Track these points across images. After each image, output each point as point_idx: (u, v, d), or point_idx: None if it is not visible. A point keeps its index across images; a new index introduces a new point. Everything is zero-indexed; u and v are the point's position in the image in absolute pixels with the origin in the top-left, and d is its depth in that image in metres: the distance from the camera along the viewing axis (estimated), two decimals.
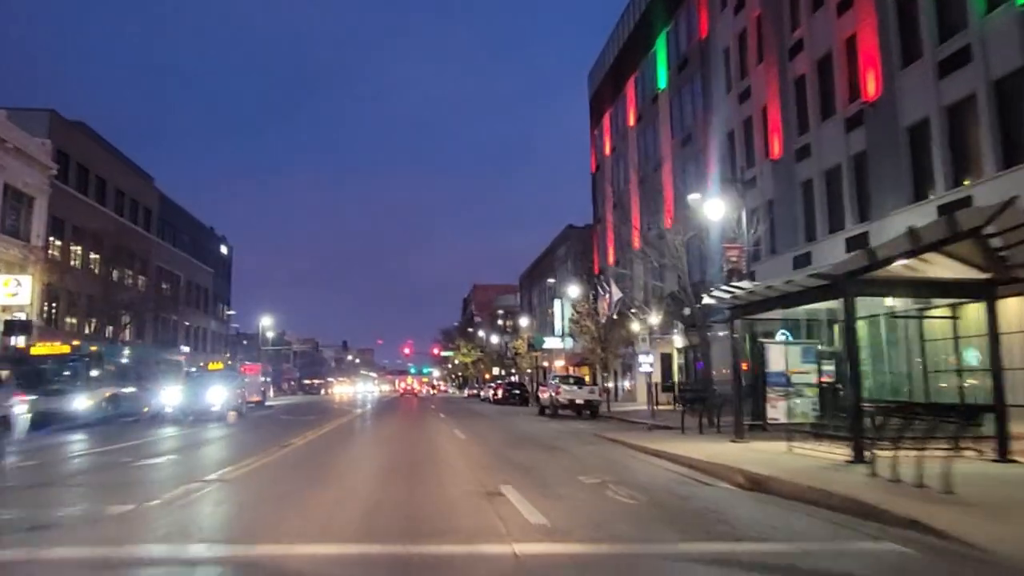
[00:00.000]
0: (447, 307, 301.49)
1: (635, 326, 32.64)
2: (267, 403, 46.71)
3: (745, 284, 14.04)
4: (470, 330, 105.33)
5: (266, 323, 77.51)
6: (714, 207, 18.14)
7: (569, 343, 54.18)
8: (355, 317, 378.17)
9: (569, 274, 56.05)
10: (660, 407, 27.28)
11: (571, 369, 47.19)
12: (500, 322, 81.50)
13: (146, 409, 21.98)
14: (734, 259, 17.68)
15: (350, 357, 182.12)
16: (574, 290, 36.23)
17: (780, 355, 13.79)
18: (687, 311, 19.54)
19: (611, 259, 44.38)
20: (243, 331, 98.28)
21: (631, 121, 41.39)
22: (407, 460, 12.16)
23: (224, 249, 74.59)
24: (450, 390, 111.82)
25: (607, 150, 46.10)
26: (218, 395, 23.17)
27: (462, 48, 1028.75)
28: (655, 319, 30.50)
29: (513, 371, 71.43)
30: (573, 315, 35.90)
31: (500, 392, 44.75)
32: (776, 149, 24.61)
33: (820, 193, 22.39)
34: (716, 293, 14.18)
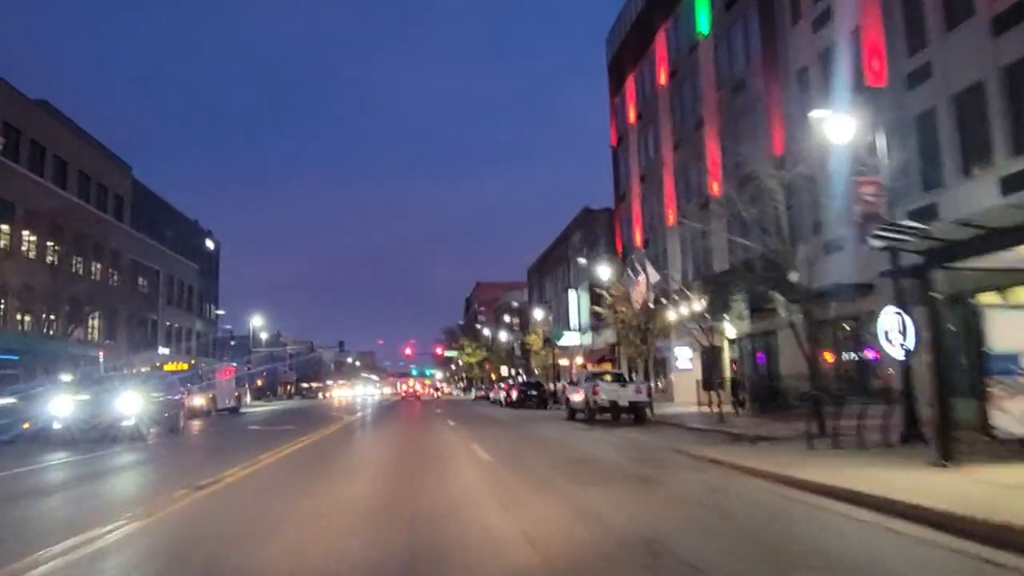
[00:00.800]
0: (449, 308, 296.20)
1: (673, 314, 27.39)
2: (243, 409, 41.50)
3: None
4: (480, 325, 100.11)
5: (257, 323, 72.17)
6: (840, 126, 12.76)
7: (588, 338, 48.95)
8: (355, 320, 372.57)
9: (587, 261, 50.82)
10: (705, 407, 21.88)
11: (589, 366, 41.83)
12: (508, 318, 76.15)
13: (26, 424, 15.92)
14: (870, 198, 12.35)
15: (350, 360, 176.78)
16: (604, 272, 30.74)
17: (1016, 327, 8.48)
18: (794, 276, 14.14)
19: (639, 240, 39.05)
20: (238, 333, 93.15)
21: (662, 79, 36.04)
22: (407, 514, 6.88)
23: (210, 244, 69.37)
24: (454, 392, 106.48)
25: (631, 118, 40.76)
26: (131, 404, 16.52)
27: (462, 52, 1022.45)
28: (698, 305, 25.25)
29: (522, 370, 66.15)
30: (606, 300, 30.40)
31: (515, 393, 39.41)
32: (876, 77, 19.26)
33: (948, 126, 17.05)
34: (892, 233, 8.90)
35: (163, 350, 51.93)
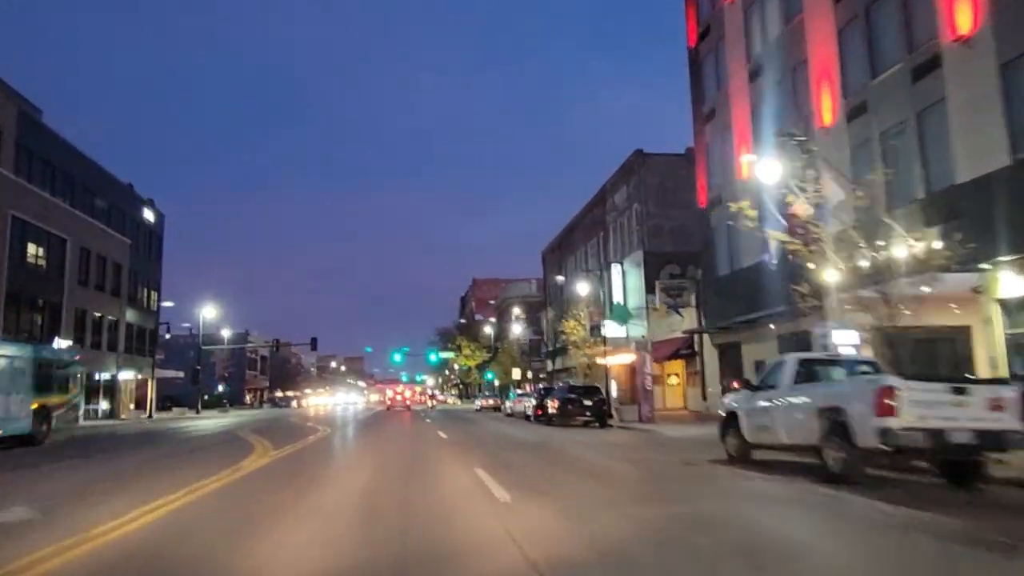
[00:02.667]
0: (441, 314, 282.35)
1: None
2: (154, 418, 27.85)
3: None
4: (482, 321, 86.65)
5: (209, 314, 58.30)
6: None
7: (638, 327, 35.71)
8: (344, 327, 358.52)
9: (635, 224, 37.64)
10: None
11: (652, 367, 28.50)
12: (517, 311, 62.82)
13: None
14: None
15: (334, 364, 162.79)
16: (775, 171, 16.74)
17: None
18: None
19: (743, 171, 25.86)
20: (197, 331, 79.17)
21: None
22: None
23: (149, 216, 55.66)
24: (449, 399, 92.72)
25: None
26: None
27: (457, 58, 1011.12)
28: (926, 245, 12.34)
29: (544, 373, 52.71)
30: (795, 220, 16.40)
31: (555, 404, 26.15)
32: None
33: None
34: None
35: (62, 342, 38.39)
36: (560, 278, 39.96)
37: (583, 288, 34.75)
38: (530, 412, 31.73)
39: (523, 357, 55.76)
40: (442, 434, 20.87)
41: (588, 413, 24.47)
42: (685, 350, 30.25)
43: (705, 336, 29.22)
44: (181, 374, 58.32)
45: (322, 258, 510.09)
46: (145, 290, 55.27)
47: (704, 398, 29.35)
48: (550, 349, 52.69)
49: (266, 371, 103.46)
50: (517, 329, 56.81)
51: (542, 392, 31.12)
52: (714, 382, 28.40)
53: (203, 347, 58.53)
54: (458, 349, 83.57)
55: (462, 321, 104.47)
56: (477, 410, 49.71)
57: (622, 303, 36.70)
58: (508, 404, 38.98)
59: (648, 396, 25.11)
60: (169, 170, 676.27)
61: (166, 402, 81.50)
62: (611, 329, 34.70)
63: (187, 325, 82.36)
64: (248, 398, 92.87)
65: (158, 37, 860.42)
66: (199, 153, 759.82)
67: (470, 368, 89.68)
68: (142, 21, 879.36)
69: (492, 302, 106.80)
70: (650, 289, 32.92)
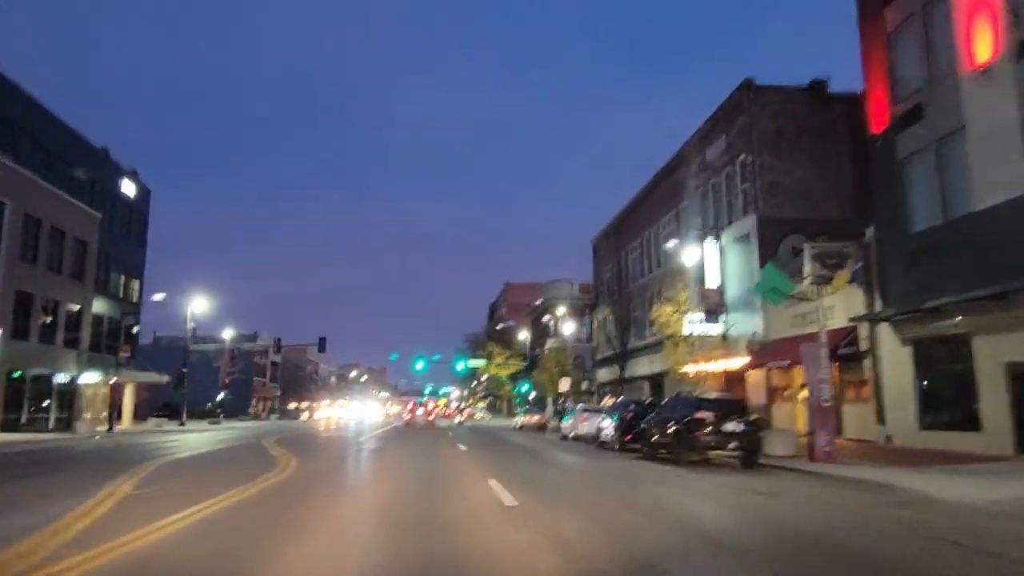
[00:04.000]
0: (470, 324, 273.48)
1: None
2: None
3: None
4: (515, 327, 77.22)
5: (199, 308, 49.25)
6: None
7: (750, 321, 25.80)
8: (369, 337, 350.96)
9: (741, 182, 27.87)
10: None
11: (766, 376, 18.56)
12: (561, 311, 52.92)
13: None
14: None
15: (355, 373, 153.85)
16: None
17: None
18: None
19: (972, 54, 16.10)
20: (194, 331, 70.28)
21: None
22: None
23: (129, 190, 46.83)
24: (477, 414, 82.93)
25: None
26: None
27: (481, 69, 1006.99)
28: None
29: (594, 386, 42.80)
30: None
31: (669, 428, 16.26)
32: None
33: None
34: None
35: None
36: (673, 242, 29.63)
37: (692, 254, 24.77)
38: (608, 436, 21.92)
39: (575, 364, 45.92)
40: (496, 486, 11.18)
41: (734, 445, 14.59)
42: (845, 348, 20.27)
43: (883, 327, 19.29)
44: (167, 378, 49.21)
45: (348, 270, 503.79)
46: (122, 277, 46.47)
47: (881, 421, 19.38)
48: (604, 356, 42.83)
49: (276, 379, 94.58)
50: (567, 329, 46.88)
51: (632, 408, 21.18)
52: (904, 398, 18.43)
53: (192, 347, 49.33)
54: (489, 357, 73.88)
55: (498, 327, 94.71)
56: (517, 428, 39.88)
57: (695, 296, 26.73)
58: (566, 423, 29.13)
59: (826, 418, 15.24)
60: (196, 178, 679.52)
61: (162, 410, 72.95)
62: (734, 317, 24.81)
63: (193, 325, 73.68)
64: (255, 408, 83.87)
65: (197, 50, 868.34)
66: (223, 161, 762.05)
67: (502, 379, 79.93)
68: (184, 32, 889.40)
69: (528, 305, 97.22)
70: (765, 265, 22.93)
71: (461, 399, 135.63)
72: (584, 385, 47.06)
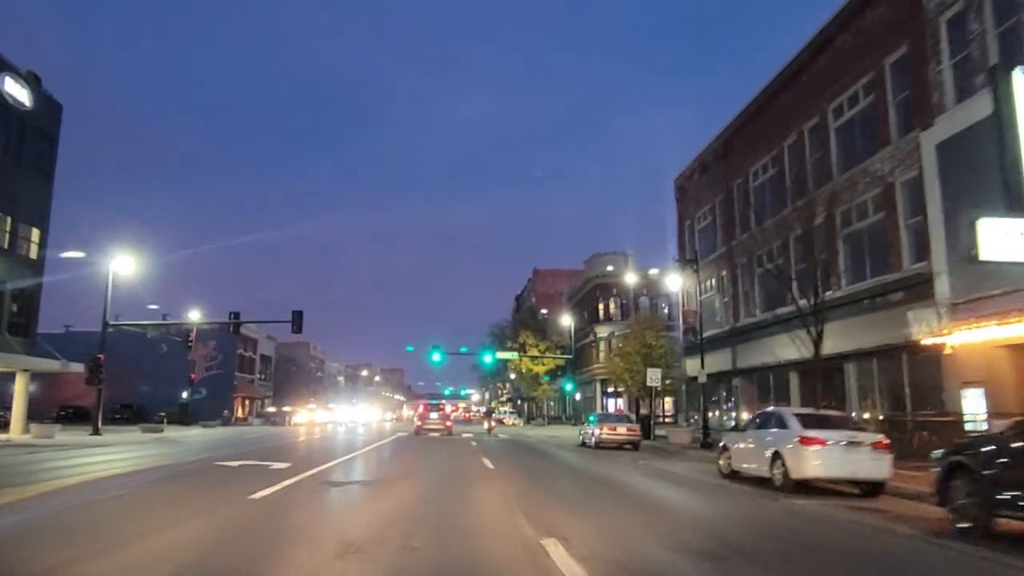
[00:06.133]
0: (494, 319, 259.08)
1: None
2: None
3: None
4: (546, 317, 62.77)
5: (124, 269, 34.80)
6: None
7: None
8: (386, 338, 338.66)
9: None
10: None
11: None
12: (634, 280, 38.07)
13: None
14: None
15: (366, 373, 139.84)
16: None
17: None
18: None
19: None
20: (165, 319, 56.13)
21: None
22: None
23: (21, 96, 32.76)
24: (508, 419, 67.92)
25: None
26: None
27: (506, 75, 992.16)
28: None
29: (682, 382, 27.67)
30: None
31: None
32: None
33: None
34: None
35: None
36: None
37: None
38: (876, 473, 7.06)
39: (670, 349, 30.87)
40: None
41: None
42: None
43: None
44: (80, 367, 34.96)
45: (367, 272, 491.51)
46: (9, 221, 32.42)
47: None
48: (713, 335, 27.99)
49: (269, 376, 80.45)
50: (647, 302, 32.02)
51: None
52: None
53: (110, 324, 35.01)
54: (522, 348, 59.16)
55: (537, 311, 79.72)
56: (589, 445, 24.87)
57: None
58: (738, 445, 13.95)
59: None
60: (228, 181, 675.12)
61: (120, 412, 59.00)
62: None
63: (155, 307, 59.63)
64: (240, 410, 69.70)
65: (205, 57, 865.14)
66: (254, 172, 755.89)
67: (535, 375, 65.13)
68: (206, 45, 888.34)
69: (559, 293, 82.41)
70: None
71: (483, 401, 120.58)
72: (668, 382, 32.16)
